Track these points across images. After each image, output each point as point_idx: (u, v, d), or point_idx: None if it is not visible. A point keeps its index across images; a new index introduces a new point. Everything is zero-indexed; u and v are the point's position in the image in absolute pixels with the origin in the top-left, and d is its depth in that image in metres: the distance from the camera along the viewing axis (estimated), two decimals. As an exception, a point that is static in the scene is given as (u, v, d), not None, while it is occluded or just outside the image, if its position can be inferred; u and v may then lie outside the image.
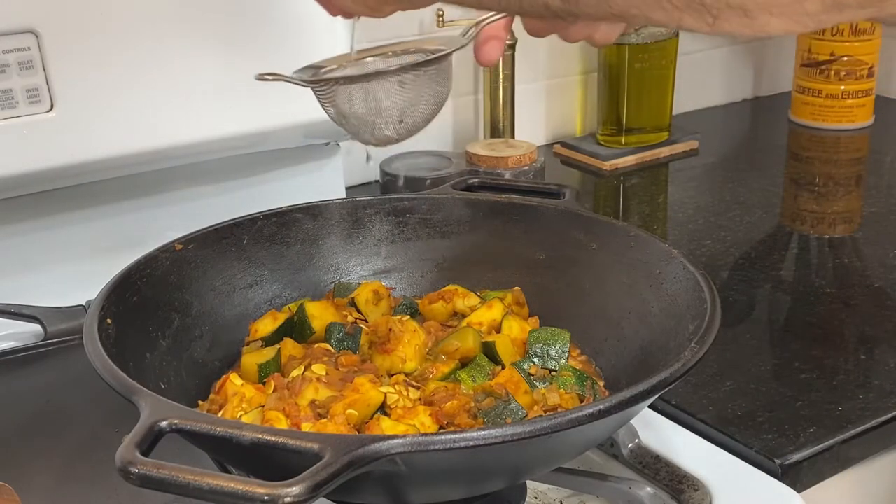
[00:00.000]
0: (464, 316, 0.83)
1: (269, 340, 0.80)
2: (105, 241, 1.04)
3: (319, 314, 0.82)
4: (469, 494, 0.66)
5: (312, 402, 0.70)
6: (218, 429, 0.55)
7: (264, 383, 0.74)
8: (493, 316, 0.81)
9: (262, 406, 0.69)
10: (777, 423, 0.80)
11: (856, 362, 0.89)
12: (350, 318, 0.83)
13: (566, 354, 0.78)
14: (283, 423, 0.67)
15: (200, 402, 0.74)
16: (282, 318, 0.82)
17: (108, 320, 0.70)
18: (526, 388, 0.72)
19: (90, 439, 0.79)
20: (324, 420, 0.68)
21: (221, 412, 0.71)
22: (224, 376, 0.75)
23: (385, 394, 0.70)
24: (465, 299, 0.84)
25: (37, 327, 0.94)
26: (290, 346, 0.79)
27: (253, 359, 0.77)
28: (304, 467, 0.50)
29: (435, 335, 0.80)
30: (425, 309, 0.85)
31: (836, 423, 0.80)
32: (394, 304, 0.86)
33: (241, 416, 0.69)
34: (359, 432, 0.67)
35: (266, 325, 0.81)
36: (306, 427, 0.67)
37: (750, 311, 1.00)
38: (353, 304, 0.85)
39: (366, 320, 0.83)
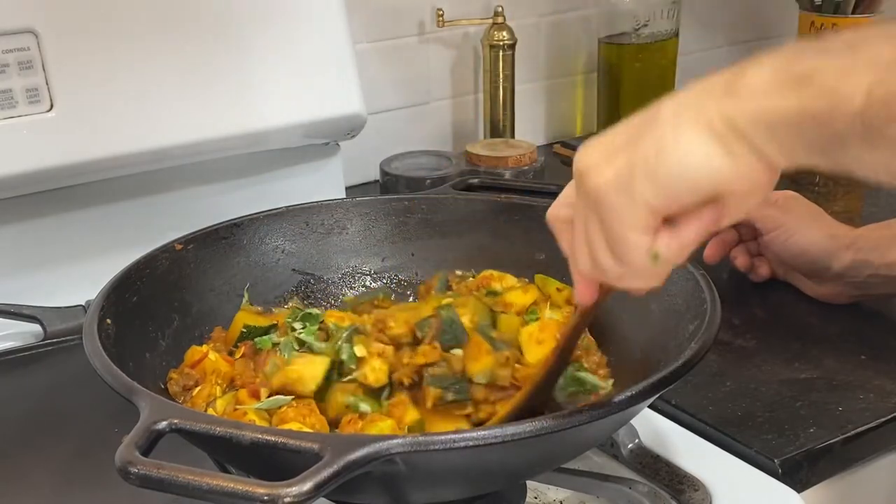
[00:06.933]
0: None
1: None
2: (105, 241, 1.04)
3: None
4: (469, 494, 0.66)
5: None
6: (217, 429, 0.55)
7: (232, 353, 0.75)
8: (525, 301, 0.81)
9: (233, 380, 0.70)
10: (777, 423, 0.80)
11: (856, 362, 0.89)
12: None
13: (566, 354, 0.78)
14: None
15: (172, 373, 0.74)
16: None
17: (108, 320, 0.70)
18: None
19: (90, 439, 0.79)
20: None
21: (198, 389, 0.71)
22: (197, 349, 0.75)
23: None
24: (501, 281, 0.84)
25: (37, 327, 0.94)
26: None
27: (244, 318, 0.78)
28: (304, 467, 0.50)
29: None
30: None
31: (836, 423, 0.80)
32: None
33: (215, 399, 0.70)
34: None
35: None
36: (264, 392, 0.68)
37: (750, 312, 1.00)
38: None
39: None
